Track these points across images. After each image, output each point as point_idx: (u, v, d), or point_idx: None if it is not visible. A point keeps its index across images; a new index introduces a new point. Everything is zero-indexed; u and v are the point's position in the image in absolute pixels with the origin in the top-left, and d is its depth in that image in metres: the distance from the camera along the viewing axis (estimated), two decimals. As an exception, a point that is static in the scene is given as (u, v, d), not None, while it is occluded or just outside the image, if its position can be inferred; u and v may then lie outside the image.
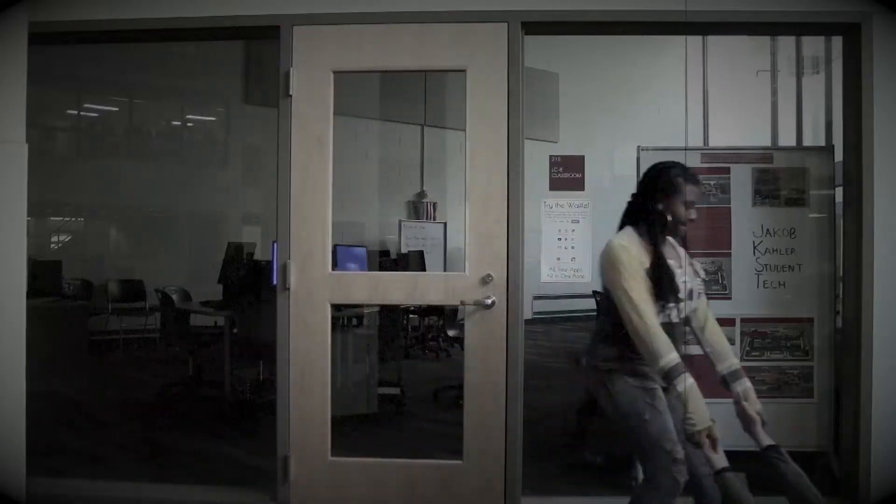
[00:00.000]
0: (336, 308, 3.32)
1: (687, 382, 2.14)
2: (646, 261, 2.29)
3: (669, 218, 2.35)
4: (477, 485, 3.09)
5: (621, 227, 2.43)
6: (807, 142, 6.34)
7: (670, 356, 2.17)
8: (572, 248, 3.20)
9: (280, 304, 3.16)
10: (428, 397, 5.45)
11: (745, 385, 2.35)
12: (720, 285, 3.44)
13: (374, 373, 4.96)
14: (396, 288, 3.18)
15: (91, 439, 4.40)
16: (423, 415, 5.08)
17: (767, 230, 3.43)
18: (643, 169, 3.48)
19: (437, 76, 8.18)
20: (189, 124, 9.70)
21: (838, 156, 3.38)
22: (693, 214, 2.38)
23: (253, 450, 4.07)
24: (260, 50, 8.22)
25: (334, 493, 3.15)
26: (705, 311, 2.47)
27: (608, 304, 2.36)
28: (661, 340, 2.19)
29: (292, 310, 3.15)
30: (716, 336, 2.45)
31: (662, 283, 2.28)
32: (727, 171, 3.46)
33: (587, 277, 3.22)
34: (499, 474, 3.09)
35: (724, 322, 3.40)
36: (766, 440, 2.27)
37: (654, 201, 2.37)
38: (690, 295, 2.37)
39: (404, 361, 6.52)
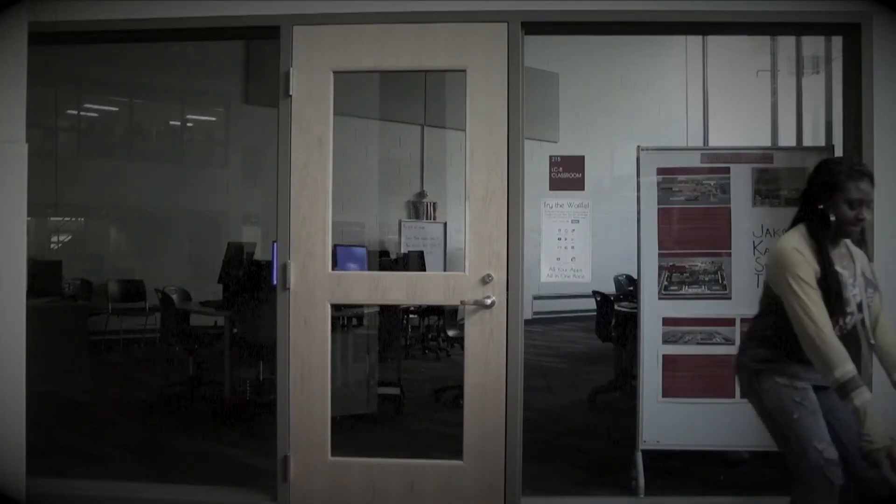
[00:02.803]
0: (336, 308, 3.32)
1: (864, 397, 2.02)
2: (817, 267, 2.14)
3: (833, 219, 2.18)
4: (477, 485, 3.09)
5: (793, 224, 2.29)
6: (807, 142, 6.33)
7: (846, 367, 2.04)
8: (572, 248, 3.20)
9: (280, 304, 3.16)
10: (428, 397, 5.46)
11: None
12: (720, 285, 3.44)
13: (374, 373, 4.96)
14: (396, 288, 3.18)
15: (91, 439, 4.40)
16: (423, 415, 5.08)
17: (767, 230, 3.43)
18: (642, 169, 3.52)
19: (437, 76, 8.17)
20: (189, 124, 9.69)
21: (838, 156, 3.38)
22: (865, 214, 2.18)
23: (253, 450, 4.07)
24: (260, 50, 8.23)
25: (334, 493, 3.14)
26: (878, 308, 2.28)
27: (768, 304, 2.26)
28: (836, 350, 2.05)
29: (292, 310, 3.15)
30: (887, 338, 2.26)
31: (829, 297, 2.11)
32: (727, 171, 3.45)
33: (587, 277, 3.22)
34: (499, 474, 3.09)
35: (724, 322, 3.42)
36: None
37: (815, 201, 2.21)
38: (860, 307, 2.20)
39: (404, 361, 6.52)
